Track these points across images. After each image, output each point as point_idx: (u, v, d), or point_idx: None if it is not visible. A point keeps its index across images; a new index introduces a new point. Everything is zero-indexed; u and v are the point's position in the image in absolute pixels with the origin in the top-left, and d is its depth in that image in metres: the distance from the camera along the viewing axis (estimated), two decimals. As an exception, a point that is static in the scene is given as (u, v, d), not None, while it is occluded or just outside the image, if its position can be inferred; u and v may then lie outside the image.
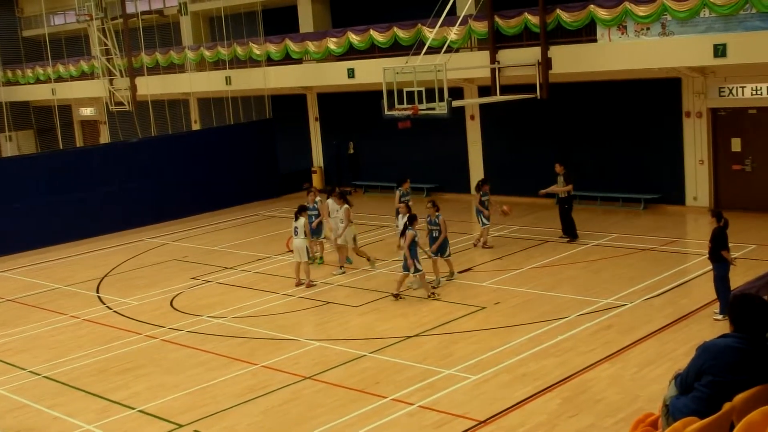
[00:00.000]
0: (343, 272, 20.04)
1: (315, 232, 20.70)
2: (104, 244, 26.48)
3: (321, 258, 21.31)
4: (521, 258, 20.26)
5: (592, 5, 22.82)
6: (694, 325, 14.67)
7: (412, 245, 17.31)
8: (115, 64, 36.34)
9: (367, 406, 12.35)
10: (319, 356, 14.68)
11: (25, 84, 44.51)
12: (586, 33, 23.54)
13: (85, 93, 40.55)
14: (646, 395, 11.76)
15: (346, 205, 19.85)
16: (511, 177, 27.81)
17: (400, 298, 17.57)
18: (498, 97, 24.63)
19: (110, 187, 28.28)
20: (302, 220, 19.10)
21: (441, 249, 18.30)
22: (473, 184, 28.75)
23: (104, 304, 19.47)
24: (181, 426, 12.23)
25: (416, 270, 17.42)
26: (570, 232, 21.50)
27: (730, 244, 14.77)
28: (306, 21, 32.55)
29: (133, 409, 13.05)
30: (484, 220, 21.68)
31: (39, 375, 15.00)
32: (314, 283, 19.21)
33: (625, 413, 11.29)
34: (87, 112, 45.79)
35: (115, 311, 18.74)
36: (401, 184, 21.22)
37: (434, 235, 18.26)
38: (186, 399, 13.27)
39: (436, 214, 18.11)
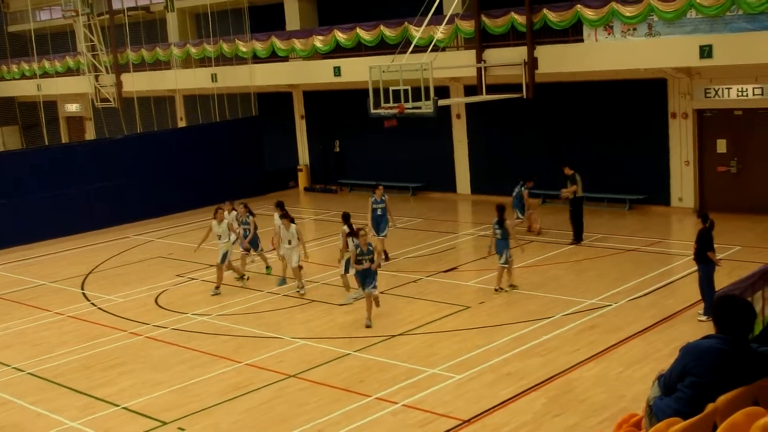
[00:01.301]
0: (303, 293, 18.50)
1: (252, 245, 20.35)
2: (89, 240, 26.36)
3: (268, 267, 20.70)
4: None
5: (578, 5, 22.87)
6: (679, 325, 14.73)
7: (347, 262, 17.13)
8: (100, 60, 36.19)
9: (351, 404, 12.35)
10: (303, 354, 14.67)
11: (10, 80, 44.26)
12: (573, 33, 23.59)
13: (71, 89, 40.35)
14: (631, 395, 11.80)
15: (294, 225, 18.55)
16: (497, 176, 27.82)
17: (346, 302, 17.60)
18: (484, 97, 24.66)
19: (95, 183, 28.17)
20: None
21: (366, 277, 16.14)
22: (459, 183, 28.90)
23: (89, 300, 19.39)
24: (165, 423, 12.19)
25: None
26: (576, 234, 21.28)
27: (715, 246, 14.84)
28: (292, 18, 32.49)
29: (117, 406, 13.01)
30: (519, 214, 21.87)
31: (23, 371, 14.93)
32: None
33: (609, 413, 11.32)
34: (72, 108, 45.57)
35: (99, 308, 18.68)
36: (375, 190, 20.52)
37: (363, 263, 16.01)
38: (170, 396, 13.23)
39: (367, 243, 16.07)
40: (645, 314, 15.45)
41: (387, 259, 20.42)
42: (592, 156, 25.56)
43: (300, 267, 18.59)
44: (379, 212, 20.07)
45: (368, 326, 15.77)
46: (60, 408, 13.10)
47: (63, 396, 13.65)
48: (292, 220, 18.68)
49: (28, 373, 14.82)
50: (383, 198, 20.10)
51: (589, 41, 23.24)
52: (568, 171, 21.20)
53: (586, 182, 21.43)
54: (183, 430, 11.95)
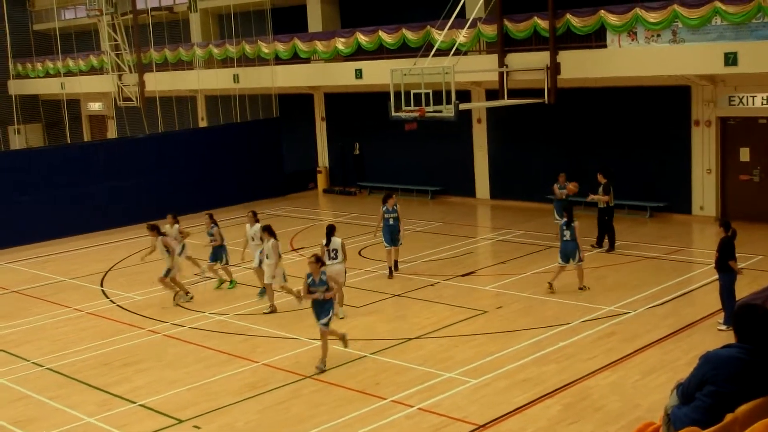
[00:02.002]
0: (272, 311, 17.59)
1: (214, 257, 19.53)
2: (109, 238, 26.49)
3: (232, 282, 19.83)
4: (524, 263, 20.22)
5: (602, 10, 22.78)
6: (697, 334, 14.63)
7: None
8: (124, 59, 36.38)
9: (366, 406, 12.33)
10: (319, 356, 14.64)
11: (34, 77, 44.58)
12: (596, 38, 23.49)
13: (94, 88, 40.58)
14: (647, 404, 11.72)
15: (273, 240, 17.37)
16: (517, 182, 27.81)
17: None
18: (505, 101, 24.60)
19: (116, 182, 28.32)
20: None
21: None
22: (478, 187, 28.86)
23: (108, 298, 19.49)
24: (180, 421, 12.23)
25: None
26: (609, 241, 21.01)
27: (737, 255, 14.73)
28: (315, 20, 32.56)
29: (134, 403, 13.06)
30: (556, 215, 21.70)
31: (42, 366, 15.02)
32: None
33: (625, 421, 11.26)
34: (95, 106, 45.84)
35: (118, 305, 18.76)
36: (386, 200, 19.71)
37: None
38: (186, 395, 13.27)
39: (320, 273, 14.16)
40: (663, 323, 15.36)
41: (394, 270, 19.79)
42: (613, 162, 25.37)
43: (284, 288, 17.63)
44: (391, 222, 19.58)
45: (320, 370, 13.82)
46: (77, 404, 13.16)
47: (81, 392, 13.71)
48: (272, 234, 17.38)
49: (47, 369, 14.91)
50: (395, 207, 19.62)
51: (613, 47, 23.13)
52: (601, 179, 20.94)
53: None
54: (199, 428, 11.98)
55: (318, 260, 14.30)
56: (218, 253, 19.54)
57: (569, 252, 17.54)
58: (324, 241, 16.84)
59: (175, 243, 19.16)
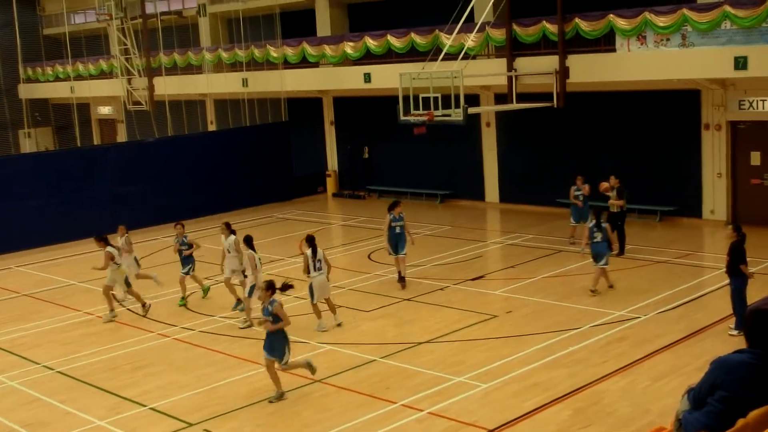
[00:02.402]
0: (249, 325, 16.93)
1: (185, 265, 18.90)
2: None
3: (206, 289, 19.43)
4: (534, 267, 20.20)
5: (611, 15, 22.77)
6: (709, 339, 14.58)
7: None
8: (133, 63, 36.48)
9: (376, 410, 12.33)
10: (329, 360, 14.67)
11: (44, 81, 44.77)
12: (605, 42, 23.49)
13: (104, 92, 40.72)
14: (658, 409, 11.70)
15: (250, 251, 16.94)
16: (527, 185, 27.78)
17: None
18: (514, 105, 24.60)
19: (126, 185, 28.40)
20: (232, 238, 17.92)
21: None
22: (487, 191, 28.85)
23: (117, 301, 19.50)
24: (190, 425, 12.25)
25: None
26: (618, 245, 20.47)
27: (747, 259, 14.69)
28: (323, 25, 32.61)
29: (144, 406, 13.09)
30: (571, 219, 21.83)
31: (52, 370, 15.07)
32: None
33: (636, 426, 11.24)
34: (105, 110, 45.99)
35: (128, 309, 18.79)
36: (393, 208, 19.22)
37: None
38: (196, 398, 13.29)
39: (270, 300, 13.15)
40: (674, 327, 15.32)
41: (402, 280, 19.18)
42: (623, 167, 25.32)
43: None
44: (398, 230, 18.98)
45: (277, 398, 13.03)
46: (88, 407, 13.19)
47: (91, 395, 13.75)
48: (249, 246, 16.94)
49: (58, 372, 14.96)
50: (401, 215, 19.08)
51: (622, 51, 23.12)
52: (615, 182, 20.77)
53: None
54: (208, 431, 12.01)
55: (269, 287, 13.13)
56: (187, 263, 18.91)
57: (598, 253, 17.60)
58: (309, 252, 16.43)
59: (125, 254, 18.89)
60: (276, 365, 13.02)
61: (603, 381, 12.99)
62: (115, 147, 34.39)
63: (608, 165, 24.69)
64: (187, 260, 18.97)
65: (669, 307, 16.49)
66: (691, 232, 23.36)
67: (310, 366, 13.34)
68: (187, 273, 18.91)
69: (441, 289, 18.85)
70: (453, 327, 16.06)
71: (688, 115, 24.05)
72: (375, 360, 14.53)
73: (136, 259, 19.73)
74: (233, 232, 18.11)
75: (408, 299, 18.16)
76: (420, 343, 15.28)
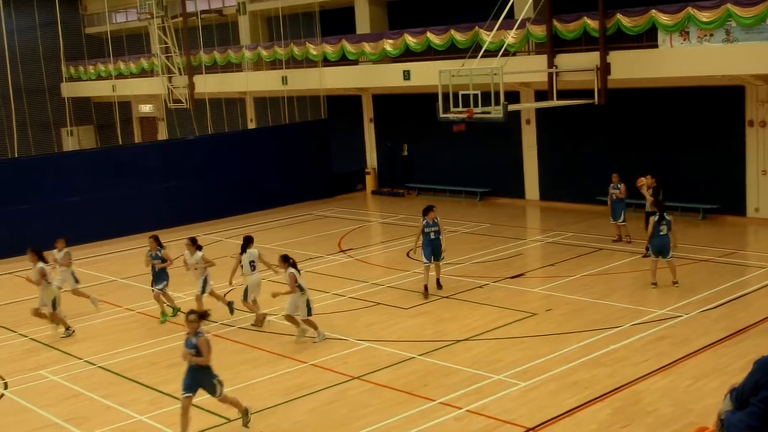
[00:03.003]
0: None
1: (158, 280, 17.89)
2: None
3: (174, 309, 18.17)
4: (574, 265, 20.03)
5: (653, 10, 22.49)
6: (752, 339, 14.35)
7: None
8: (174, 62, 36.79)
9: (414, 408, 12.30)
10: (367, 357, 14.67)
11: (86, 80, 45.32)
12: (647, 38, 23.21)
13: (145, 90, 41.14)
14: (700, 409, 11.54)
15: (255, 251, 17.00)
16: (567, 183, 27.59)
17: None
18: (555, 102, 24.41)
19: (166, 183, 28.64)
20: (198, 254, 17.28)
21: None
22: (527, 188, 28.70)
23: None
24: (229, 420, 12.30)
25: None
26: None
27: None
28: (363, 22, 32.62)
29: (183, 402, 13.15)
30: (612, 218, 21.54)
31: (93, 365, 15.22)
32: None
33: (677, 426, 11.10)
34: (146, 108, 46.43)
35: (167, 305, 18.89)
36: (426, 213, 18.38)
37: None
38: (234, 394, 13.28)
39: (197, 331, 11.70)
40: (716, 326, 15.10)
41: (438, 289, 18.49)
42: (665, 164, 25.11)
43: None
44: (432, 236, 18.16)
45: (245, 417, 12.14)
46: (128, 402, 13.31)
47: (132, 390, 13.87)
48: (244, 248, 16.96)
49: (99, 367, 15.11)
50: (436, 221, 18.22)
51: (664, 47, 22.83)
52: (651, 181, 20.34)
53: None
54: (247, 428, 12.02)
55: (192, 315, 11.60)
56: (160, 278, 17.77)
57: (665, 246, 17.57)
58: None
59: (63, 268, 18.34)
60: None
61: (643, 380, 12.85)
62: (156, 145, 34.69)
63: (650, 162, 24.49)
64: (159, 275, 17.79)
65: (711, 306, 16.26)
66: (734, 230, 23.04)
67: (246, 414, 12.11)
68: (161, 289, 17.79)
69: (480, 286, 18.76)
70: (491, 325, 15.98)
71: (732, 111, 23.72)
72: (413, 357, 14.50)
73: (74, 275, 18.87)
74: (199, 248, 17.46)
75: (446, 297, 18.10)
76: (458, 341, 15.21)
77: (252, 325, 16.97)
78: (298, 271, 15.60)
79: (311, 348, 15.30)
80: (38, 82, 44.41)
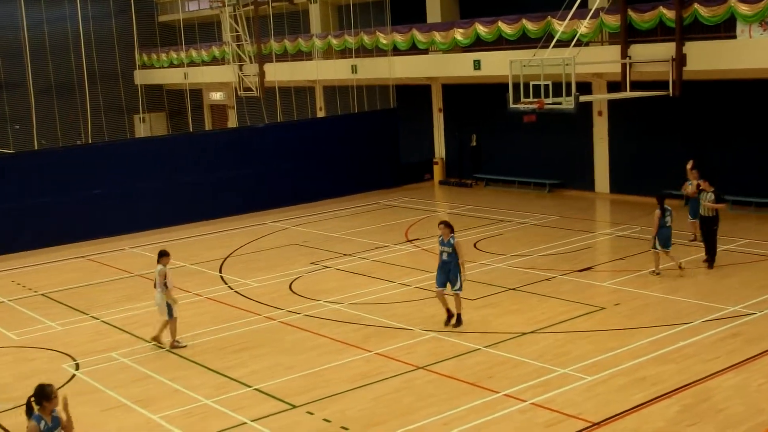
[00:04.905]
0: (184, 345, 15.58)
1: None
2: (228, 225, 27.07)
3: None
4: (644, 259, 19.66)
5: (732, 0, 21.95)
6: (828, 338, 13.98)
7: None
8: (245, 50, 37.15)
9: (478, 399, 12.24)
10: (433, 347, 14.63)
11: (159, 67, 46.05)
12: (725, 29, 22.66)
13: (216, 78, 41.62)
14: (773, 408, 11.28)
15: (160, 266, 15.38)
16: (639, 176, 27.13)
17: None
18: (628, 94, 24.02)
19: (236, 170, 28.91)
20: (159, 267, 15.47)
21: None
22: (598, 181, 28.32)
23: (226, 284, 19.91)
24: (294, 407, 12.38)
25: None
26: (711, 255, 18.77)
27: None
28: (434, 11, 32.49)
29: (250, 387, 13.30)
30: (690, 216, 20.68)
31: (162, 348, 15.44)
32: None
33: (748, 425, 10.86)
34: (216, 96, 46.98)
35: (236, 291, 19.14)
36: (440, 227, 15.67)
37: None
38: (300, 381, 13.44)
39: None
40: (791, 325, 14.73)
41: (455, 324, 15.57)
42: (741, 157, 24.54)
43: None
44: (444, 257, 15.39)
45: None
46: (196, 386, 13.48)
47: (199, 374, 14.05)
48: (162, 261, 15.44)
49: (167, 350, 15.32)
50: (450, 240, 15.33)
51: (743, 37, 22.25)
52: (707, 185, 18.80)
53: (735, 185, 20.41)
54: (311, 414, 12.11)
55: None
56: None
57: (669, 237, 18.23)
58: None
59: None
60: None
61: (714, 378, 12.59)
62: (226, 132, 35.08)
63: (726, 156, 23.97)
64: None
65: (787, 304, 15.86)
66: (812, 227, 22.42)
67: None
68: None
69: (547, 279, 18.58)
70: (558, 318, 15.81)
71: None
72: (479, 349, 14.42)
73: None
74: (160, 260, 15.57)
75: (513, 289, 17.96)
76: (524, 333, 15.09)
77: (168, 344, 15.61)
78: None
79: (377, 337, 15.31)
80: (112, 69, 45.31)
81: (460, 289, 15.38)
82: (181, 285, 19.92)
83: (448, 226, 15.44)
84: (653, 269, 18.34)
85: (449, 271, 15.36)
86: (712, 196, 18.65)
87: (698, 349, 13.82)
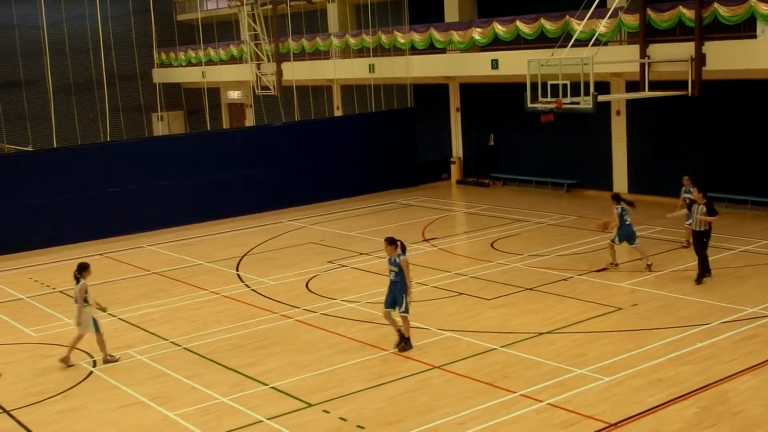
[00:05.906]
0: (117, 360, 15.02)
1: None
2: (245, 224, 27.13)
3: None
4: (661, 260, 19.58)
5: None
6: None
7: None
8: (262, 49, 37.20)
9: (494, 399, 12.21)
10: (449, 347, 14.61)
11: (177, 66, 46.19)
12: (745, 28, 22.50)
13: (233, 77, 41.71)
14: (791, 411, 11.19)
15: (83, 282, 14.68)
16: (657, 176, 26.97)
17: None
18: (646, 93, 23.89)
19: (253, 168, 28.96)
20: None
21: None
22: (616, 181, 28.19)
23: (243, 282, 19.95)
24: (310, 405, 12.40)
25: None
26: (704, 268, 17.72)
27: None
28: (451, 10, 32.44)
29: (266, 385, 13.32)
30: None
31: (179, 346, 15.50)
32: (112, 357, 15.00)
33: (766, 428, 10.81)
34: (234, 95, 47.10)
35: (252, 289, 19.18)
36: (396, 246, 14.49)
37: None
38: (316, 379, 13.45)
39: None
40: (811, 327, 14.62)
41: (407, 346, 14.47)
42: (760, 158, 24.36)
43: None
44: (392, 276, 14.42)
45: None
46: (212, 383, 13.52)
47: (215, 372, 14.08)
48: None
49: (184, 348, 15.38)
50: (396, 259, 14.26)
51: (763, 37, 22.06)
52: (699, 197, 17.52)
53: (754, 185, 20.18)
54: (327, 413, 12.11)
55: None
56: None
57: (632, 234, 18.87)
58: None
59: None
60: None
61: (731, 379, 12.51)
62: (244, 131, 35.15)
63: (746, 157, 23.80)
64: None
65: (806, 306, 15.74)
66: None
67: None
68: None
69: (564, 279, 18.52)
70: (575, 318, 15.76)
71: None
72: (495, 348, 14.39)
73: None
74: (77, 280, 14.76)
75: (530, 289, 17.91)
76: (541, 334, 15.05)
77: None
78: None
79: (393, 336, 15.27)
80: (131, 68, 45.51)
81: (406, 311, 14.29)
82: (198, 283, 20.02)
83: (392, 243, 14.33)
84: (611, 261, 19.20)
85: (395, 291, 14.38)
86: (704, 209, 17.35)
87: (716, 350, 13.74)
